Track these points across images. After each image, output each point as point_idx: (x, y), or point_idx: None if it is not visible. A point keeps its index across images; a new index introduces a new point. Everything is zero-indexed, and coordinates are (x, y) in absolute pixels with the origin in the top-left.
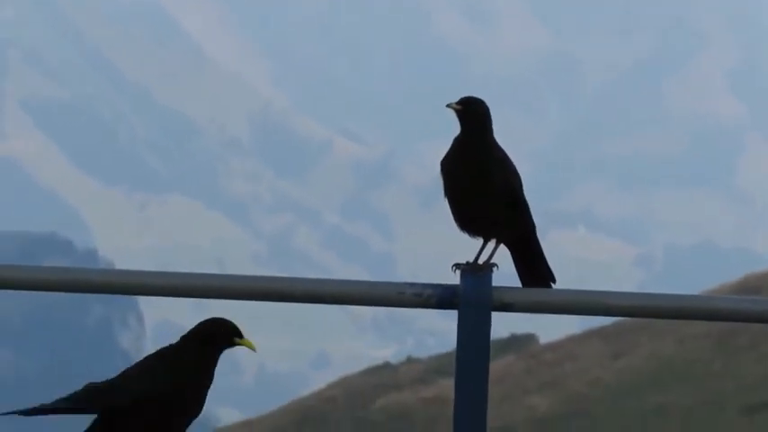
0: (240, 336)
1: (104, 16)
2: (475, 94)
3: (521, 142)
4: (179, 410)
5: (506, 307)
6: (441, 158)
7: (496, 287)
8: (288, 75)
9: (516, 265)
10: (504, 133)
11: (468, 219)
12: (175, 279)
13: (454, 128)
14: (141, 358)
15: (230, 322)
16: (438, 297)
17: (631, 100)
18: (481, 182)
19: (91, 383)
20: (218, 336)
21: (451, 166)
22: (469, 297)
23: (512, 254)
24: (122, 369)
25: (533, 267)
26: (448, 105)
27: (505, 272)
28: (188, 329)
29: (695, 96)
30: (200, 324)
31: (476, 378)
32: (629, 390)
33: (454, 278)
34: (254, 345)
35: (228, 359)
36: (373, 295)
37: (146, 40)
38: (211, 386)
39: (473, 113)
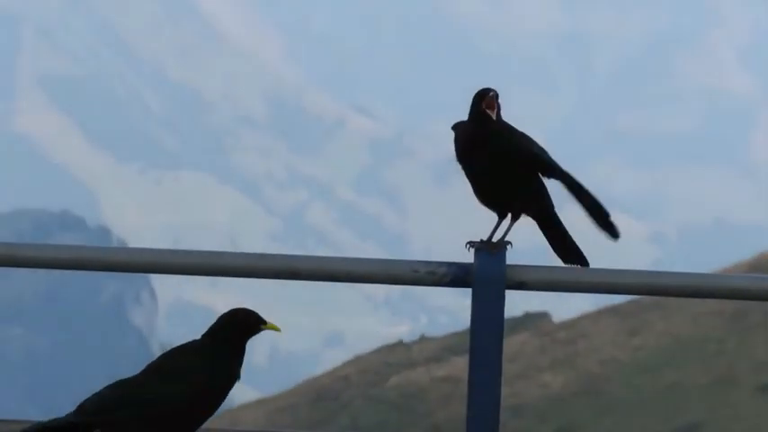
0: (263, 321)
1: None
2: (488, 71)
3: (533, 119)
4: (215, 406)
5: (520, 285)
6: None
7: (510, 265)
8: (301, 50)
9: (550, 243)
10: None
11: (486, 193)
12: (189, 257)
13: (467, 105)
14: (169, 351)
15: (251, 311)
16: (452, 275)
17: (644, 76)
18: (501, 154)
19: (120, 383)
20: (245, 326)
21: (464, 141)
22: (483, 275)
23: (543, 231)
24: (135, 347)
25: (567, 243)
26: (485, 111)
27: (520, 249)
28: (202, 308)
29: (708, 72)
30: (224, 317)
31: (490, 356)
32: (643, 368)
33: (468, 256)
34: (278, 327)
35: None
36: (387, 273)
37: (159, 15)
38: None
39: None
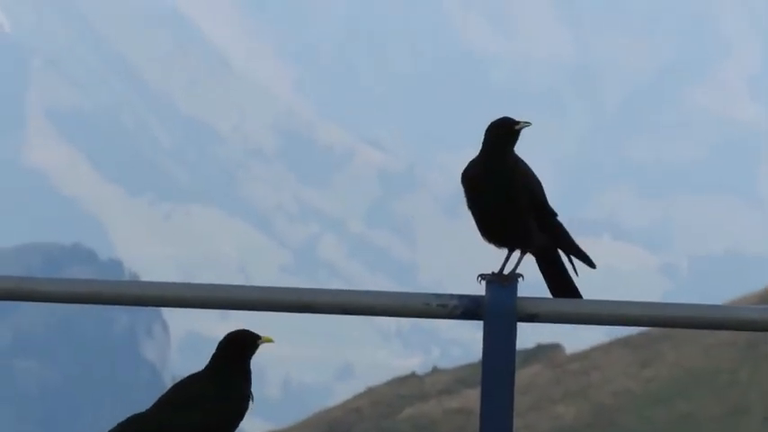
0: (258, 336)
1: (127, 24)
2: (499, 102)
3: (545, 150)
4: (231, 430)
5: (532, 318)
6: (463, 169)
7: (522, 298)
8: (312, 82)
9: (544, 276)
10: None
11: (493, 231)
12: (200, 290)
13: (478, 137)
14: (179, 382)
15: (245, 330)
16: (464, 308)
17: (654, 106)
18: (504, 195)
19: (133, 418)
20: (243, 345)
21: (474, 179)
22: (495, 308)
23: (539, 265)
24: (147, 380)
25: (561, 278)
26: (518, 127)
27: (531, 282)
28: (214, 341)
29: (718, 102)
30: (223, 342)
31: (502, 389)
32: (656, 399)
33: (479, 288)
34: (272, 338)
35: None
36: (399, 306)
37: (169, 48)
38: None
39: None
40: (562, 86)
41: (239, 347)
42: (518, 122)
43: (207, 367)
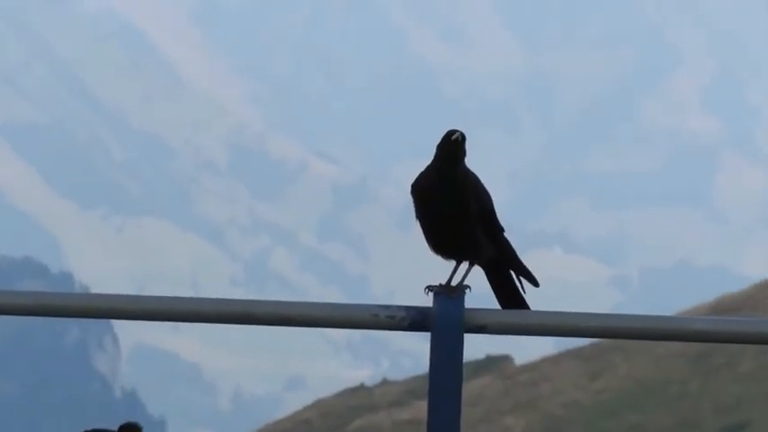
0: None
1: (80, 40)
2: (451, 114)
3: (497, 162)
4: None
5: (480, 329)
6: (412, 181)
7: (469, 309)
8: (263, 96)
9: (493, 288)
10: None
11: (442, 241)
12: (149, 303)
13: (430, 150)
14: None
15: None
16: (411, 319)
17: (608, 118)
18: (455, 204)
19: None
20: None
21: (425, 190)
22: (442, 319)
23: (487, 276)
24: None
25: (510, 290)
26: (453, 137)
27: (479, 293)
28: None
29: (672, 114)
30: None
31: (449, 400)
32: (606, 411)
33: (428, 300)
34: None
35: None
36: (347, 318)
37: (121, 62)
38: (188, 409)
39: (461, 147)
40: (516, 99)
41: None
42: (455, 132)
43: None
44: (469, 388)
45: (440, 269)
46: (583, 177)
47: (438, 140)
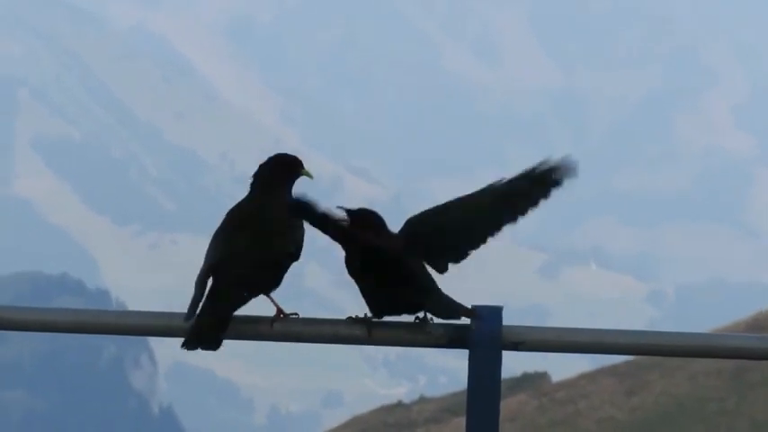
0: (303, 166)
1: (113, 54)
2: (484, 131)
3: None
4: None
5: (516, 346)
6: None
7: (507, 326)
8: (296, 112)
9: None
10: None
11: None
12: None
13: (464, 167)
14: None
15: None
16: (449, 336)
17: (641, 135)
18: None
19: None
20: (290, 168)
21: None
22: (480, 336)
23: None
24: (135, 410)
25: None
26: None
27: (517, 309)
28: (201, 370)
29: (704, 131)
30: (269, 165)
31: (487, 417)
32: (642, 428)
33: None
34: (311, 174)
35: (241, 399)
36: (384, 335)
37: (155, 77)
38: (225, 426)
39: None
40: (547, 115)
41: (287, 172)
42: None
43: (259, 199)
44: (506, 405)
45: (476, 286)
46: (615, 194)
47: (472, 155)
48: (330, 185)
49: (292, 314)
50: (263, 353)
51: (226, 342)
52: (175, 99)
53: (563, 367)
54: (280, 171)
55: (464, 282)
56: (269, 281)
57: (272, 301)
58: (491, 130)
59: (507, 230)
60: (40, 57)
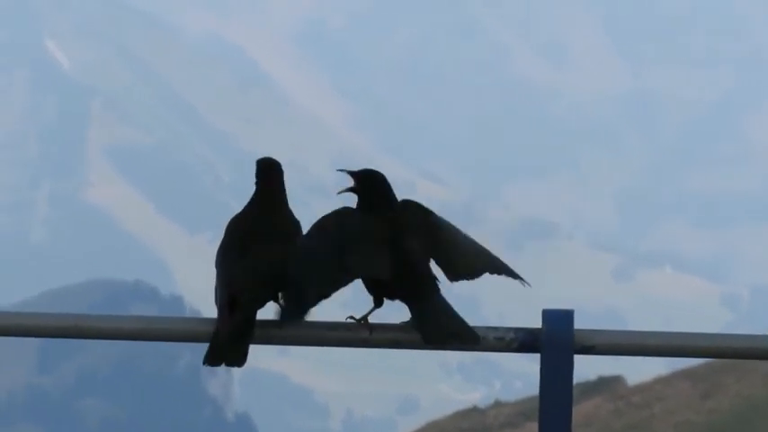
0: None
1: (185, 61)
2: (555, 133)
3: (602, 182)
4: None
5: (589, 350)
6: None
7: (579, 330)
8: (368, 117)
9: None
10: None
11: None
12: (260, 327)
13: (536, 169)
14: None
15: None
16: (520, 341)
17: (713, 136)
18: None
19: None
20: (278, 170)
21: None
22: (551, 340)
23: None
24: (210, 417)
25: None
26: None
27: (589, 313)
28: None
29: None
30: (259, 172)
31: (559, 421)
32: (718, 431)
33: (538, 321)
34: None
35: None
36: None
37: (227, 84)
38: None
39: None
40: (619, 117)
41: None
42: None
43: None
44: (581, 409)
45: (550, 291)
46: (688, 196)
47: (543, 158)
48: (403, 190)
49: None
50: (337, 358)
51: (299, 348)
52: (247, 105)
53: (638, 371)
54: (269, 176)
55: (537, 285)
56: (278, 293)
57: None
58: (563, 133)
59: (581, 233)
60: (112, 65)
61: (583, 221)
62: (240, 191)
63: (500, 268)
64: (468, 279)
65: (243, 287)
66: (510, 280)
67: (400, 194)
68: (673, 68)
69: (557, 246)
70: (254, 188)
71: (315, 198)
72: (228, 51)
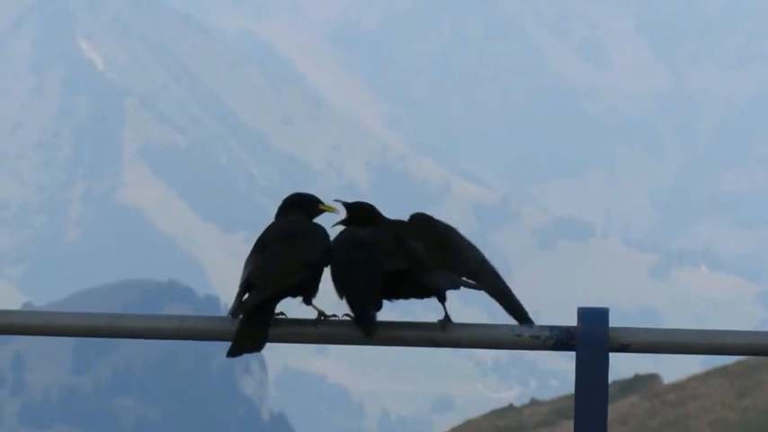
0: (321, 202)
1: (221, 61)
2: (592, 133)
3: (640, 181)
4: None
5: (624, 348)
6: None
7: (614, 328)
8: (403, 117)
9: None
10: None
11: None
12: (291, 326)
13: (572, 168)
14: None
15: (307, 194)
16: (555, 339)
17: (750, 136)
18: None
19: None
20: (308, 209)
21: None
22: (587, 338)
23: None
24: (245, 416)
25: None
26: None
27: (627, 312)
28: (310, 375)
29: None
30: (287, 204)
31: (594, 420)
32: (754, 429)
33: (573, 319)
34: (335, 208)
35: (351, 404)
36: (491, 338)
37: (262, 84)
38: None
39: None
40: (656, 117)
41: (302, 209)
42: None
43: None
44: (617, 407)
45: (584, 289)
46: (725, 195)
47: (579, 159)
48: (438, 189)
49: (331, 316)
50: (372, 356)
51: (335, 347)
52: (282, 105)
53: (674, 369)
54: (299, 208)
55: (574, 284)
56: (300, 286)
57: (313, 306)
58: (599, 133)
59: (615, 232)
60: (147, 65)
61: (618, 221)
62: (274, 190)
63: (499, 292)
64: (465, 287)
65: (258, 273)
66: (545, 277)
67: (435, 193)
68: (710, 69)
69: (591, 245)
70: (288, 188)
71: (349, 197)
72: (265, 51)
